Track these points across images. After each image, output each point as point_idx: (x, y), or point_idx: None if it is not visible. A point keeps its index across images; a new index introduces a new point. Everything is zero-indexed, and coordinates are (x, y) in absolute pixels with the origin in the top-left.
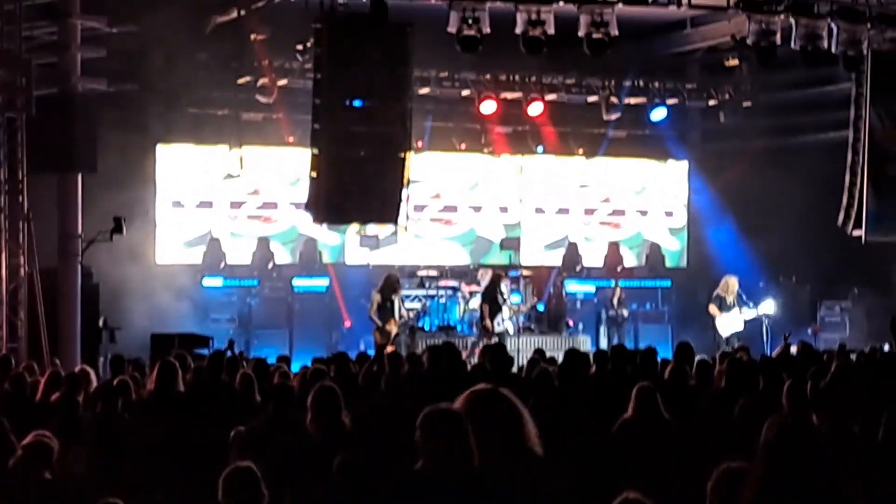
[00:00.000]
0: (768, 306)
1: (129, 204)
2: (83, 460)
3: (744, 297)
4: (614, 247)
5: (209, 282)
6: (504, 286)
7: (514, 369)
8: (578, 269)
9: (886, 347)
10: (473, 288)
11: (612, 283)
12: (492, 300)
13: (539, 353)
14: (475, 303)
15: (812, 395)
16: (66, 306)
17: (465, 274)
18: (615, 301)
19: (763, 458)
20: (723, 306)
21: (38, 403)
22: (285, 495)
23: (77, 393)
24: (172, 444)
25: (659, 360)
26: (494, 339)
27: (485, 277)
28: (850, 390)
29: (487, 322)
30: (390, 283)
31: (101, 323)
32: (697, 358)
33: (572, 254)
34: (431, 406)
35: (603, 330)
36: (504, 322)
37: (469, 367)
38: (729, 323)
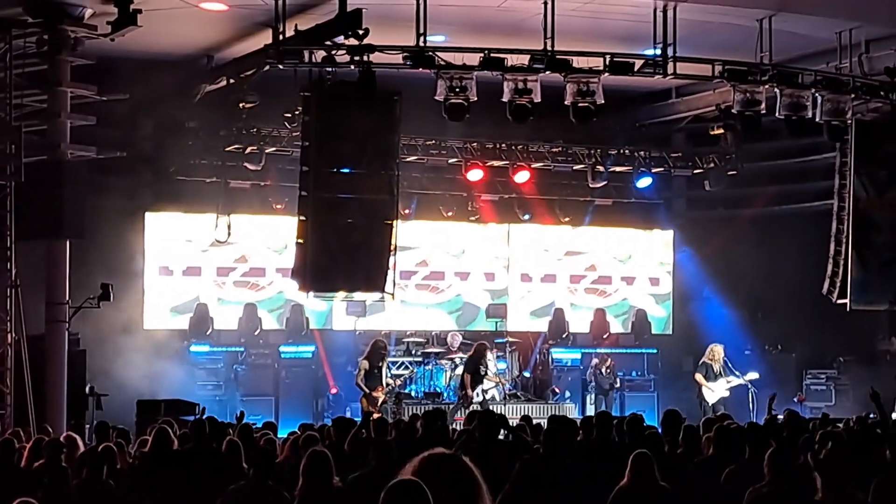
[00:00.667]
0: (754, 374)
1: (117, 271)
2: None
3: (730, 364)
4: (600, 314)
5: (196, 348)
6: (489, 357)
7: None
8: (565, 336)
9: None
10: (459, 355)
11: (599, 351)
12: (474, 370)
13: (525, 419)
14: (461, 370)
15: (813, 462)
16: (52, 373)
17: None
18: (604, 369)
19: None
20: (709, 374)
21: (24, 470)
22: None
23: (60, 459)
24: None
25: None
26: (475, 407)
27: (455, 340)
28: (843, 458)
29: (469, 391)
30: (378, 349)
31: (87, 389)
32: (684, 425)
33: (559, 321)
34: (397, 480)
35: (589, 397)
36: (485, 392)
37: (454, 433)
38: (715, 391)
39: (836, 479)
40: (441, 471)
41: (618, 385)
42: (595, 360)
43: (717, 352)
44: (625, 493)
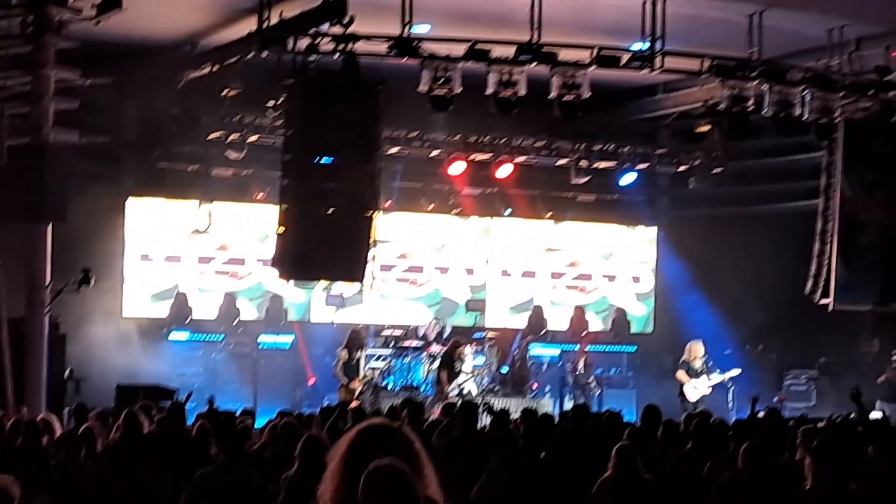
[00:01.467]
0: (735, 371)
1: (97, 256)
2: None
3: (710, 362)
4: (580, 311)
5: (175, 335)
6: (465, 352)
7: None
8: (543, 332)
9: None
10: (438, 347)
11: (577, 348)
12: (449, 367)
13: (503, 414)
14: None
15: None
16: (32, 356)
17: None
18: (581, 365)
19: None
20: (690, 372)
21: (2, 450)
22: None
23: (39, 440)
24: (134, 493)
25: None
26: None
27: (432, 330)
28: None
29: (445, 388)
30: (356, 338)
31: (66, 374)
32: (664, 419)
33: (538, 317)
34: (373, 466)
35: (567, 393)
36: (460, 386)
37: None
38: (697, 388)
39: (828, 468)
40: (381, 441)
41: (592, 383)
42: (570, 364)
43: (695, 349)
44: (609, 486)
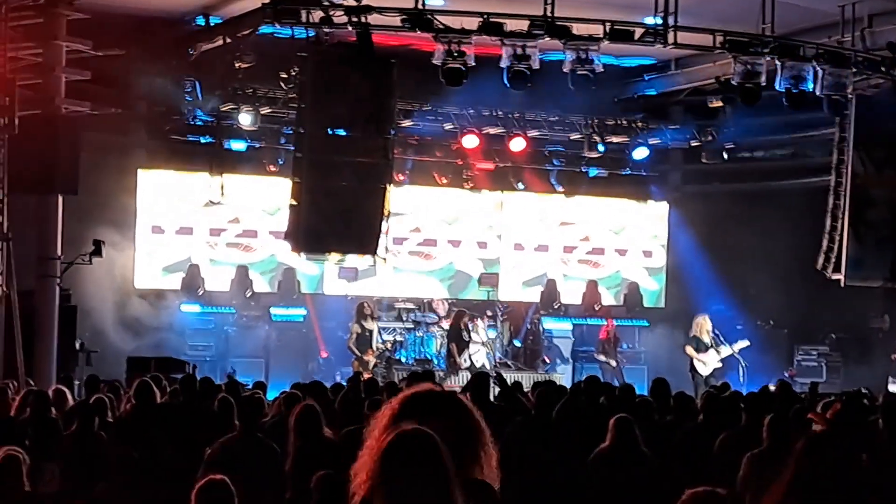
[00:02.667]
0: (744, 343)
1: (109, 228)
2: (56, 477)
3: (719, 335)
4: (592, 285)
5: (187, 308)
6: (478, 323)
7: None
8: (557, 306)
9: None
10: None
11: (604, 322)
12: (457, 338)
13: (516, 387)
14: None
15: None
16: (43, 328)
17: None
18: (611, 341)
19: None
20: (699, 347)
21: (13, 420)
22: None
23: (48, 411)
24: (145, 462)
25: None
26: (465, 374)
27: (439, 307)
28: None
29: (456, 358)
30: (361, 310)
31: (77, 345)
32: (678, 392)
33: (550, 291)
34: (402, 430)
35: (579, 367)
36: (473, 356)
37: None
38: (707, 363)
39: (842, 437)
40: (431, 411)
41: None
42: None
43: (703, 323)
44: (605, 456)
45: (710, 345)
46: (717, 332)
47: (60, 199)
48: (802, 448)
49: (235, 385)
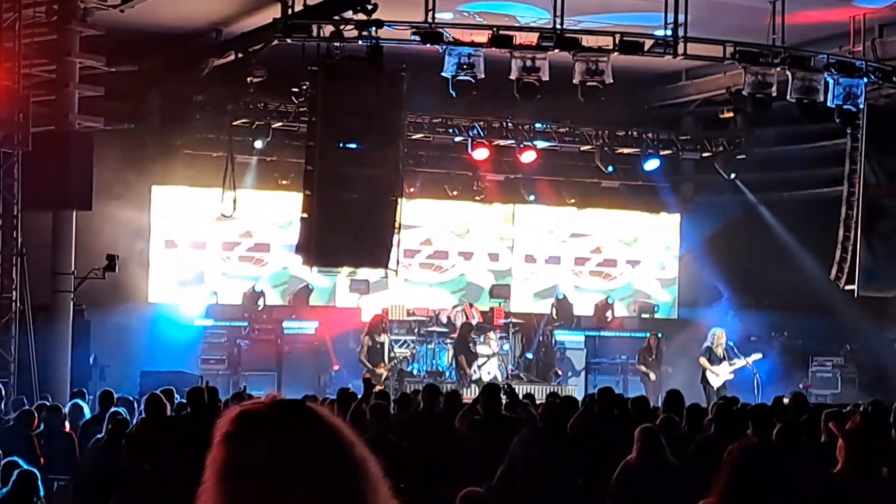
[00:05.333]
0: (757, 356)
1: (122, 243)
2: (70, 492)
3: (734, 349)
4: (604, 297)
5: (200, 321)
6: (480, 336)
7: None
8: (573, 324)
9: None
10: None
11: (648, 335)
12: (465, 350)
13: (528, 398)
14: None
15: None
16: (57, 343)
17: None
18: (653, 352)
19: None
20: (712, 358)
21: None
22: None
23: (62, 426)
24: (157, 475)
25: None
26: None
27: (457, 317)
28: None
29: (466, 370)
30: (378, 323)
31: (91, 360)
32: (689, 404)
33: (565, 308)
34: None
35: (592, 379)
36: (486, 368)
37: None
38: (719, 375)
39: (862, 451)
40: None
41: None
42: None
43: (719, 336)
44: (633, 469)
45: (723, 357)
46: (731, 345)
47: (74, 214)
48: (733, 457)
49: (241, 397)
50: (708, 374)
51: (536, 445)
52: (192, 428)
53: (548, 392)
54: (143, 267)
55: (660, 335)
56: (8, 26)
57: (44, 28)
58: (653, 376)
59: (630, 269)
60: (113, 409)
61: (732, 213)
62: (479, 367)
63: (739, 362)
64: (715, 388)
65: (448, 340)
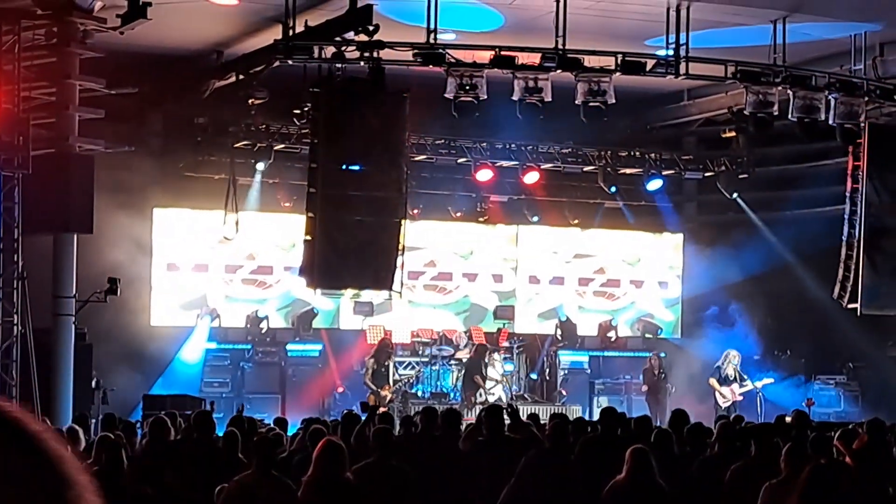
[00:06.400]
0: (768, 380)
1: (124, 266)
2: None
3: (743, 369)
4: (608, 317)
5: (203, 345)
6: (496, 358)
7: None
8: (577, 345)
9: None
10: (467, 354)
11: (651, 355)
12: (477, 372)
13: (532, 419)
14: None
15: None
16: (58, 366)
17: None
18: (658, 371)
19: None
20: (721, 379)
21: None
22: None
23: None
24: (161, 500)
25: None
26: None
27: (461, 339)
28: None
29: (482, 387)
30: (384, 346)
31: (93, 383)
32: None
33: (570, 330)
34: None
35: (596, 400)
36: (487, 391)
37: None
38: (726, 395)
39: (869, 469)
40: None
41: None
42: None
43: (732, 357)
44: (620, 489)
45: (733, 378)
46: (741, 368)
47: (75, 237)
48: (807, 477)
49: (241, 419)
50: (717, 394)
51: (544, 466)
52: (197, 452)
53: (551, 412)
54: (145, 290)
55: (662, 355)
56: (7, 49)
57: (43, 51)
58: (657, 396)
59: (634, 290)
60: (101, 433)
61: (736, 231)
62: (486, 390)
63: (749, 385)
64: (723, 408)
65: (453, 362)
